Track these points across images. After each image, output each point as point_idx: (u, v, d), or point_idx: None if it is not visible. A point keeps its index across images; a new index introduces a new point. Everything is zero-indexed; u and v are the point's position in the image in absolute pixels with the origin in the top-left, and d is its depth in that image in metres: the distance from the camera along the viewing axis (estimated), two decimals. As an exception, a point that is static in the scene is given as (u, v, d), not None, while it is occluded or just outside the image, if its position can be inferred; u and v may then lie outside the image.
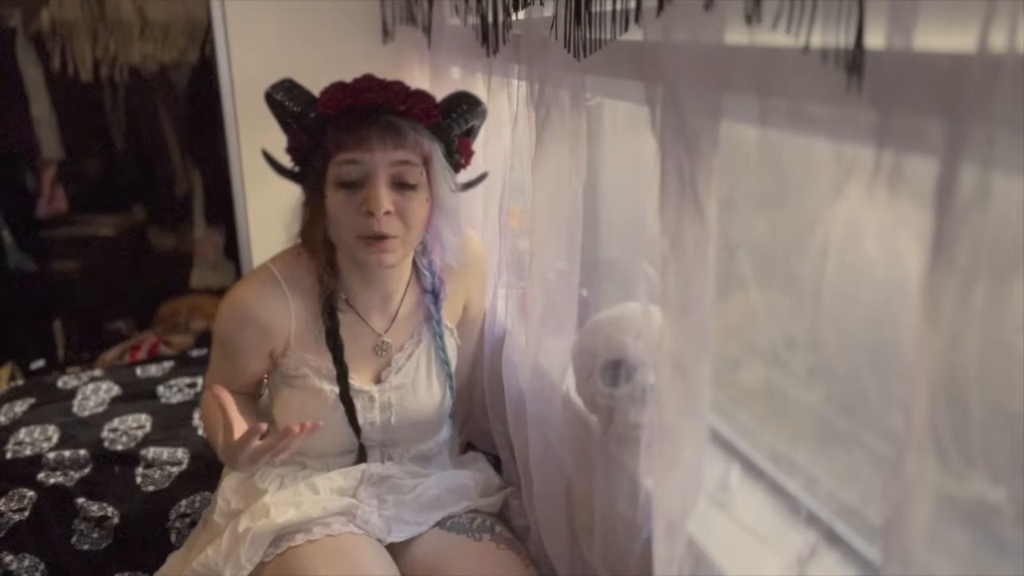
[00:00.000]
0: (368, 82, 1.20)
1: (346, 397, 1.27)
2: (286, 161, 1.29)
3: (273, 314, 1.25)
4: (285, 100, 1.23)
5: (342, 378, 1.27)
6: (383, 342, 1.31)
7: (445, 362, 1.35)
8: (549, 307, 1.15)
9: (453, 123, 1.24)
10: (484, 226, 1.46)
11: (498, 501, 1.37)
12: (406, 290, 1.33)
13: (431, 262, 1.33)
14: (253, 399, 1.38)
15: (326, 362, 1.27)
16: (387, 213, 1.17)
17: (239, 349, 1.28)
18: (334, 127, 1.18)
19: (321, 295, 1.27)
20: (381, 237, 1.18)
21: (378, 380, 1.31)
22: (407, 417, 1.32)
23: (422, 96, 1.21)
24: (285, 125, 1.26)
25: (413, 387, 1.31)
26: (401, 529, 1.27)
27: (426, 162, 1.20)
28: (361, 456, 1.32)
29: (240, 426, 1.14)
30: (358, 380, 1.29)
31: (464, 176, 1.31)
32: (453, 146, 1.25)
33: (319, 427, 1.11)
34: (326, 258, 1.25)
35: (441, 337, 1.35)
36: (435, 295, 1.34)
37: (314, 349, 1.27)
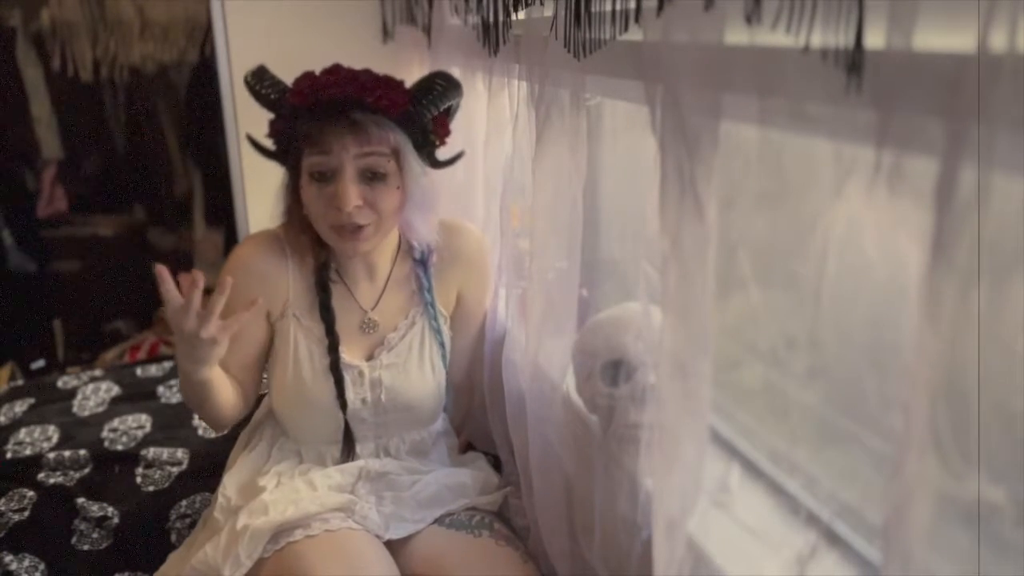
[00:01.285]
0: (335, 75, 1.21)
1: (336, 368, 1.28)
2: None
3: (272, 268, 1.28)
4: (260, 88, 1.25)
5: (333, 349, 1.29)
6: (369, 319, 1.33)
7: (438, 331, 1.35)
8: (549, 307, 1.15)
9: (424, 109, 1.23)
10: (485, 226, 1.46)
11: (497, 499, 1.37)
12: (394, 262, 1.35)
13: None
14: (244, 391, 1.34)
15: (319, 333, 1.29)
16: (357, 206, 1.19)
17: (239, 304, 1.27)
18: (302, 121, 1.20)
19: (315, 265, 1.30)
20: (353, 227, 1.20)
21: (370, 358, 1.32)
22: (398, 398, 1.32)
23: (390, 86, 1.21)
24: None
25: (404, 367, 1.32)
26: (399, 526, 1.28)
27: (395, 153, 1.21)
28: (348, 439, 1.32)
29: (174, 296, 1.12)
30: (349, 355, 1.30)
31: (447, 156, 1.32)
32: (428, 128, 1.25)
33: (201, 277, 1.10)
34: (311, 235, 1.28)
35: (433, 306, 1.35)
36: (424, 264, 1.35)
37: (309, 316, 1.30)
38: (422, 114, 1.23)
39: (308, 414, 1.32)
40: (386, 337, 1.33)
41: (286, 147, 1.25)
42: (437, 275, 1.37)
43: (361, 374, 1.31)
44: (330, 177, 1.19)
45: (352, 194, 1.18)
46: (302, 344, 1.29)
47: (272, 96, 1.24)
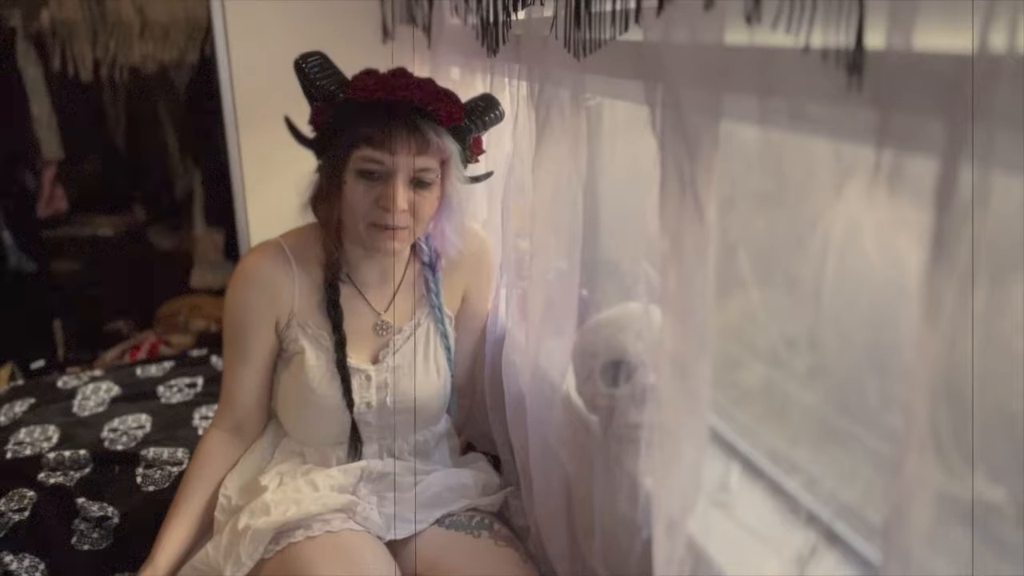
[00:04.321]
0: (402, 78, 1.22)
1: (343, 368, 1.28)
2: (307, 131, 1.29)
3: (277, 277, 1.28)
4: (317, 75, 1.24)
5: (340, 347, 1.29)
6: (382, 321, 1.33)
7: (444, 335, 1.36)
8: (549, 307, 1.15)
9: (472, 126, 1.27)
10: (485, 226, 1.46)
11: (498, 500, 1.37)
12: (406, 267, 1.36)
13: (428, 236, 1.36)
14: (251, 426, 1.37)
15: (325, 335, 1.29)
16: (403, 210, 1.20)
17: (247, 319, 1.29)
18: (362, 117, 1.20)
19: (324, 267, 1.30)
20: (393, 228, 1.21)
21: (375, 360, 1.32)
22: (404, 399, 1.32)
23: (450, 98, 1.23)
24: (311, 96, 1.27)
25: (410, 369, 1.32)
26: (401, 527, 1.28)
27: (443, 163, 1.23)
28: (355, 439, 1.32)
29: None
30: (356, 359, 1.30)
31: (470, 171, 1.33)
32: (467, 143, 1.28)
33: None
34: (334, 231, 1.28)
35: (440, 311, 1.36)
36: (432, 268, 1.36)
37: (315, 319, 1.30)
38: (471, 131, 1.26)
39: (314, 416, 1.31)
40: (392, 339, 1.33)
41: (331, 139, 1.24)
42: (444, 278, 1.38)
43: (368, 378, 1.31)
44: (379, 177, 1.20)
45: (402, 198, 1.20)
46: (309, 349, 1.29)
47: (331, 87, 1.23)
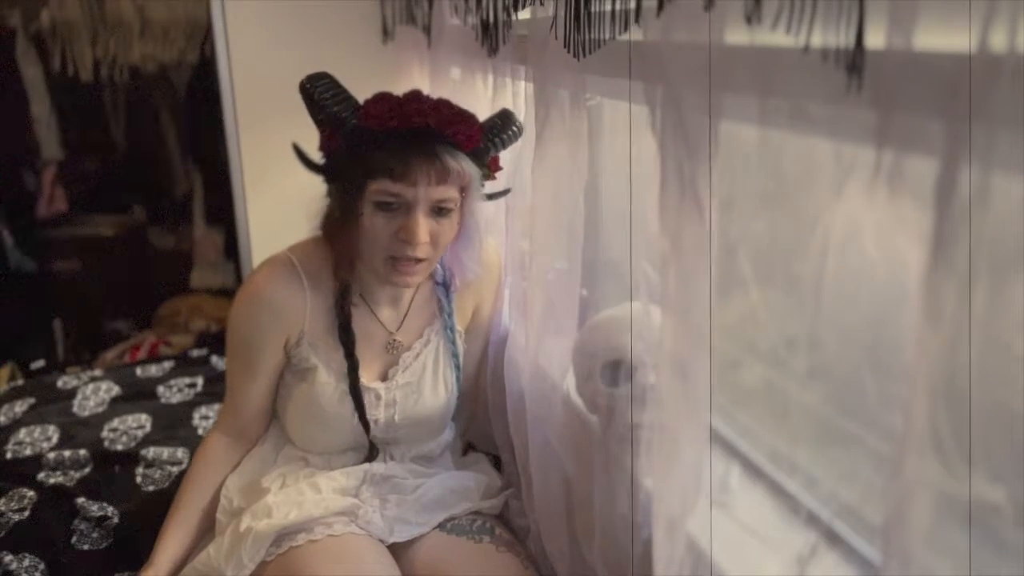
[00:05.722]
0: (417, 103, 1.17)
1: (356, 391, 1.27)
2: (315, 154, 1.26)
3: (289, 298, 1.25)
4: (327, 101, 1.18)
5: (352, 372, 1.27)
6: (394, 340, 1.32)
7: (454, 354, 1.35)
8: (549, 307, 1.15)
9: (491, 145, 1.22)
10: (490, 227, 1.45)
11: (499, 503, 1.37)
12: (419, 286, 1.33)
13: (443, 256, 1.32)
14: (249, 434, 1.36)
15: (337, 356, 1.27)
16: (424, 242, 1.17)
17: (255, 338, 1.27)
18: (378, 147, 1.15)
19: (336, 288, 1.27)
20: (413, 260, 1.18)
21: (384, 378, 1.31)
22: (410, 416, 1.32)
23: (467, 121, 1.18)
24: (318, 121, 1.23)
25: (418, 387, 1.32)
26: (403, 529, 1.27)
27: (463, 189, 1.20)
28: (371, 453, 1.32)
29: None
30: (366, 377, 1.29)
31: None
32: (485, 163, 1.24)
33: None
34: (347, 255, 1.24)
35: (452, 330, 1.35)
36: (446, 287, 1.35)
37: (326, 341, 1.27)
38: (489, 151, 1.22)
39: (321, 430, 1.31)
40: (401, 357, 1.32)
41: (345, 167, 1.19)
42: (456, 297, 1.36)
43: (378, 397, 1.30)
44: (398, 208, 1.16)
45: (424, 230, 1.16)
46: (320, 369, 1.27)
47: (342, 113, 1.18)
